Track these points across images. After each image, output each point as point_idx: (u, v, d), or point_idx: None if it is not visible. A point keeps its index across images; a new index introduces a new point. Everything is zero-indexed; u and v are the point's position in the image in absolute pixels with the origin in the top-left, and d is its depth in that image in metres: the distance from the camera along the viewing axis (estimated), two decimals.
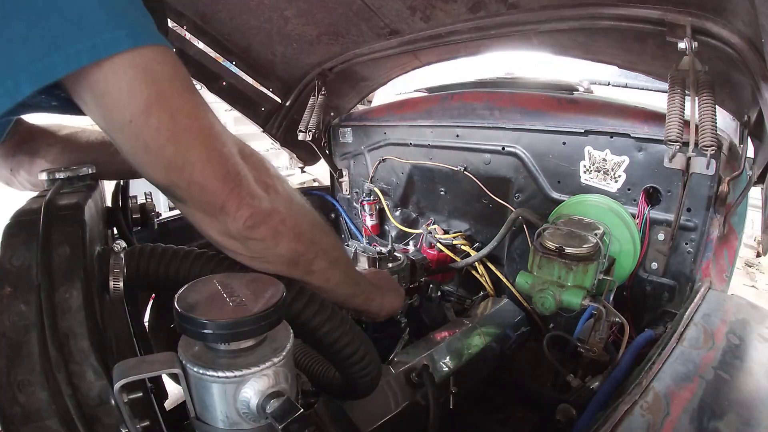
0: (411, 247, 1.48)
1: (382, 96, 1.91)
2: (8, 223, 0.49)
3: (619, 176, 1.08)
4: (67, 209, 0.53)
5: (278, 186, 0.58)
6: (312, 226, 0.62)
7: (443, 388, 0.91)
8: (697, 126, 0.82)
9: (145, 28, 0.48)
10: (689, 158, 0.89)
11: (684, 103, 0.84)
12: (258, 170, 0.56)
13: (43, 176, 0.62)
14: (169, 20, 1.09)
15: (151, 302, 1.02)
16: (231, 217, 0.51)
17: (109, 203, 0.79)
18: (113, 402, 0.48)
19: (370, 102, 1.89)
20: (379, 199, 1.69)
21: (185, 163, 0.49)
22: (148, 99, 0.47)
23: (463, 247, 1.40)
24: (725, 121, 1.03)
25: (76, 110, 0.51)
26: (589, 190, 1.13)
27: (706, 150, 0.82)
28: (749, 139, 0.91)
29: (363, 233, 1.79)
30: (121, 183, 0.81)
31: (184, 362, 0.44)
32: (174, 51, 0.50)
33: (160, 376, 0.54)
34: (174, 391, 0.59)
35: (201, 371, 0.43)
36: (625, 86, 1.55)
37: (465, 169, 1.38)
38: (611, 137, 1.07)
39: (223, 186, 0.50)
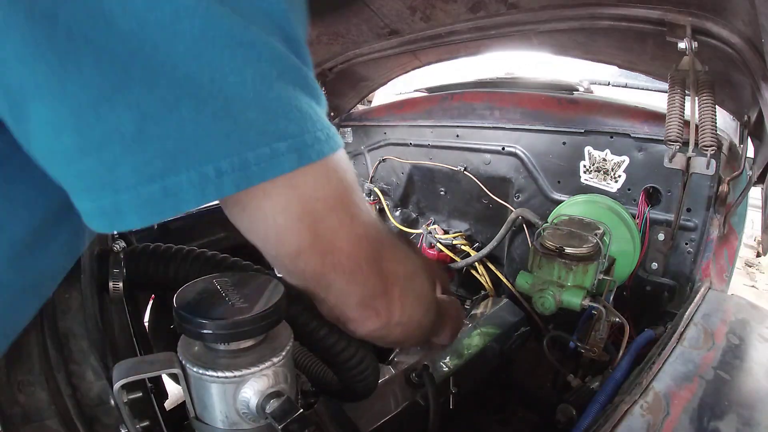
0: None
1: (382, 96, 1.91)
2: None
3: (619, 176, 1.08)
4: None
5: (402, 281, 0.50)
6: (422, 309, 0.56)
7: (443, 388, 0.91)
8: (697, 126, 0.82)
9: (314, 125, 0.34)
10: (689, 158, 0.89)
11: (684, 103, 0.84)
12: (393, 264, 0.49)
13: None
14: None
15: (151, 302, 1.02)
16: (355, 327, 0.50)
17: None
18: (113, 402, 0.49)
19: (370, 102, 1.89)
20: (379, 200, 1.69)
21: (325, 295, 0.45)
22: (299, 246, 0.38)
23: (463, 247, 1.40)
24: (725, 121, 1.03)
25: None
26: (589, 190, 1.13)
27: (706, 150, 0.82)
28: (749, 139, 0.91)
29: None
30: None
31: (183, 362, 0.44)
32: (343, 147, 0.38)
33: (160, 376, 0.54)
34: (174, 391, 0.59)
35: (200, 371, 0.43)
36: (625, 86, 1.55)
37: (465, 169, 1.38)
38: (611, 137, 1.07)
39: (355, 311, 0.47)
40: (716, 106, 0.82)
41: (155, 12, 0.25)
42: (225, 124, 0.27)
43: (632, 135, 1.03)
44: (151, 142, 0.26)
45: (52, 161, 0.28)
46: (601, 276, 0.95)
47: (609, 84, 1.57)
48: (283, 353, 0.46)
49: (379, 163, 1.65)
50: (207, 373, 0.43)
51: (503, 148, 1.27)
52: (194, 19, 0.26)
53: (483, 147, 1.32)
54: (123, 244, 0.62)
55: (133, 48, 0.25)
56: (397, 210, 1.69)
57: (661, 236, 1.03)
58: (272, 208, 0.34)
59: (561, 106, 1.17)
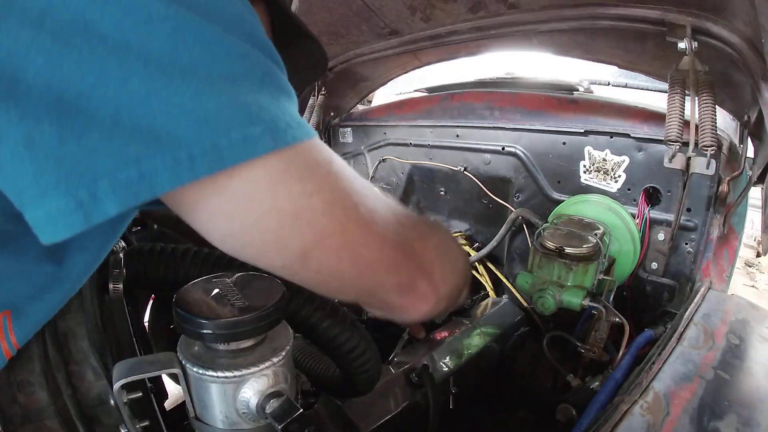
0: None
1: (382, 96, 1.91)
2: None
3: (619, 176, 1.08)
4: None
5: (435, 254, 0.49)
6: (459, 274, 0.54)
7: (443, 388, 0.91)
8: (697, 126, 0.82)
9: (288, 113, 0.32)
10: (689, 158, 0.89)
11: (684, 103, 0.84)
12: (422, 242, 0.46)
13: None
14: None
15: (151, 302, 1.02)
16: (405, 314, 0.47)
17: None
18: (113, 402, 0.48)
19: (370, 102, 1.89)
20: None
21: (357, 290, 0.42)
22: (303, 246, 0.34)
23: (463, 247, 1.40)
24: (725, 121, 1.03)
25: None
26: (589, 190, 1.13)
27: (706, 150, 0.82)
28: (749, 139, 0.91)
29: None
30: None
31: (183, 362, 0.44)
32: (318, 137, 0.35)
33: (160, 376, 0.54)
34: (174, 391, 0.59)
35: (200, 371, 0.43)
36: (625, 86, 1.55)
37: (465, 169, 1.38)
38: (611, 137, 1.07)
39: (398, 298, 0.45)
40: (716, 106, 0.82)
41: (133, 15, 0.27)
42: (196, 113, 0.28)
43: (632, 135, 1.03)
44: (126, 129, 0.27)
45: (20, 165, 0.27)
46: (601, 276, 0.95)
47: (609, 84, 1.57)
48: (283, 353, 0.46)
49: (379, 163, 1.65)
50: (207, 373, 0.43)
51: (503, 148, 1.27)
52: (166, 22, 0.28)
53: (483, 147, 1.32)
54: (123, 244, 0.62)
55: (112, 44, 0.26)
56: None
57: (661, 236, 1.03)
58: (259, 207, 0.32)
59: (561, 106, 1.17)
